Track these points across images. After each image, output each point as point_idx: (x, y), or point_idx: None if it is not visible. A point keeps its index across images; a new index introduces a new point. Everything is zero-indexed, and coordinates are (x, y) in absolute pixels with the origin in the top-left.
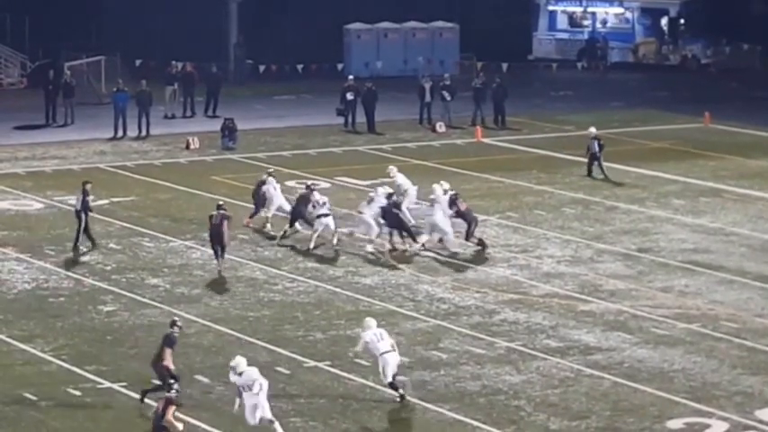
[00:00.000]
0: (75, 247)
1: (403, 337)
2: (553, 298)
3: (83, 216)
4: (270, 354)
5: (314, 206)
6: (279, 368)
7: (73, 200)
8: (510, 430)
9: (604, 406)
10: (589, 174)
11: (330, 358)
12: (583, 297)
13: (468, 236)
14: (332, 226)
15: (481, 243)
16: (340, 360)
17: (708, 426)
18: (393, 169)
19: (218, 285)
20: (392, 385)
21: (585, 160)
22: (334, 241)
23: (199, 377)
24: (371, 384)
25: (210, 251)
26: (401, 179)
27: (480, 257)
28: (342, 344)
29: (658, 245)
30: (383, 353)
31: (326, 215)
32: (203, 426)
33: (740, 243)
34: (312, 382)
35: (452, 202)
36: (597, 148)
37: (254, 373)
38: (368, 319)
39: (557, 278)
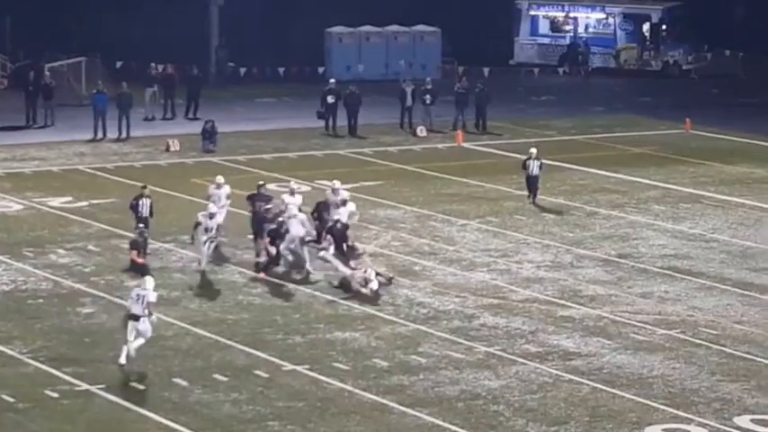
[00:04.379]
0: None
1: (382, 341)
2: (533, 303)
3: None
4: (248, 357)
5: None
6: (257, 371)
7: (53, 201)
8: None
9: (583, 412)
10: (533, 199)
11: (309, 362)
12: (562, 302)
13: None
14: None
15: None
16: (319, 364)
17: None
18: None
19: (197, 288)
20: None
21: (576, 166)
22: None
23: (177, 380)
24: (350, 389)
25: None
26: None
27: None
28: (321, 347)
29: (638, 250)
30: None
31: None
32: (181, 429)
33: (720, 249)
34: (291, 386)
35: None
36: (538, 171)
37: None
38: None
39: (536, 283)
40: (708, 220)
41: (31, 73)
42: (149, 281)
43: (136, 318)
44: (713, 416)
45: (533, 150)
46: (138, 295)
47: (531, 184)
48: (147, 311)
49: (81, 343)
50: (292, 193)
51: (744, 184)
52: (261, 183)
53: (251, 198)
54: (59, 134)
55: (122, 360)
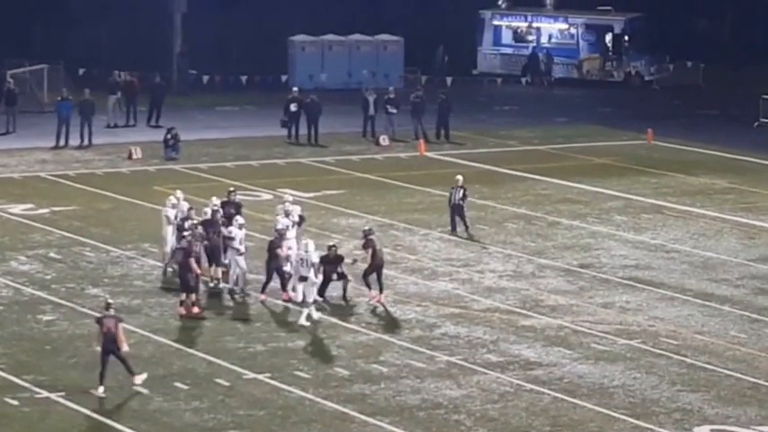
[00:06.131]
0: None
1: (344, 349)
2: (494, 312)
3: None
4: (209, 365)
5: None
6: (218, 380)
7: (14, 208)
8: None
9: (544, 421)
10: (454, 229)
11: (270, 370)
12: (524, 312)
13: None
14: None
15: None
16: (280, 372)
17: None
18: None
19: (158, 296)
20: None
21: (538, 176)
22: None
23: (138, 388)
24: (311, 397)
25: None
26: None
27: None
28: (282, 356)
29: (600, 261)
30: None
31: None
32: None
33: (681, 260)
34: (252, 395)
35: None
36: (460, 199)
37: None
38: None
39: (498, 293)
40: (669, 231)
41: None
42: (311, 244)
43: (305, 279)
44: (673, 426)
45: (459, 177)
46: (302, 259)
47: (456, 213)
48: (314, 271)
49: (41, 350)
50: (287, 214)
51: (705, 194)
52: (215, 208)
53: (205, 224)
54: (21, 141)
55: (303, 321)
